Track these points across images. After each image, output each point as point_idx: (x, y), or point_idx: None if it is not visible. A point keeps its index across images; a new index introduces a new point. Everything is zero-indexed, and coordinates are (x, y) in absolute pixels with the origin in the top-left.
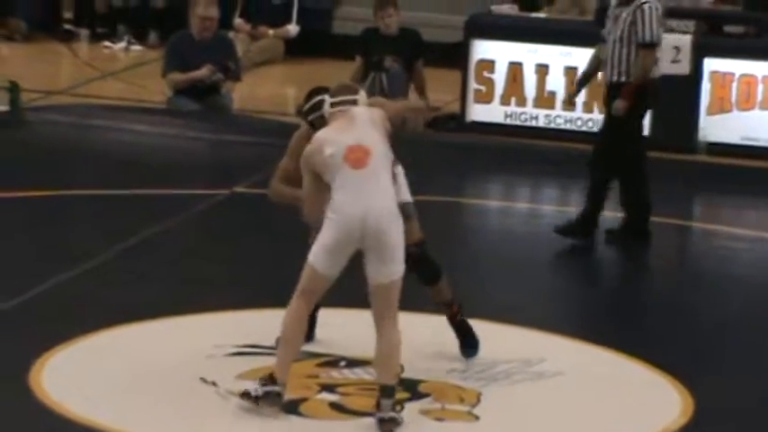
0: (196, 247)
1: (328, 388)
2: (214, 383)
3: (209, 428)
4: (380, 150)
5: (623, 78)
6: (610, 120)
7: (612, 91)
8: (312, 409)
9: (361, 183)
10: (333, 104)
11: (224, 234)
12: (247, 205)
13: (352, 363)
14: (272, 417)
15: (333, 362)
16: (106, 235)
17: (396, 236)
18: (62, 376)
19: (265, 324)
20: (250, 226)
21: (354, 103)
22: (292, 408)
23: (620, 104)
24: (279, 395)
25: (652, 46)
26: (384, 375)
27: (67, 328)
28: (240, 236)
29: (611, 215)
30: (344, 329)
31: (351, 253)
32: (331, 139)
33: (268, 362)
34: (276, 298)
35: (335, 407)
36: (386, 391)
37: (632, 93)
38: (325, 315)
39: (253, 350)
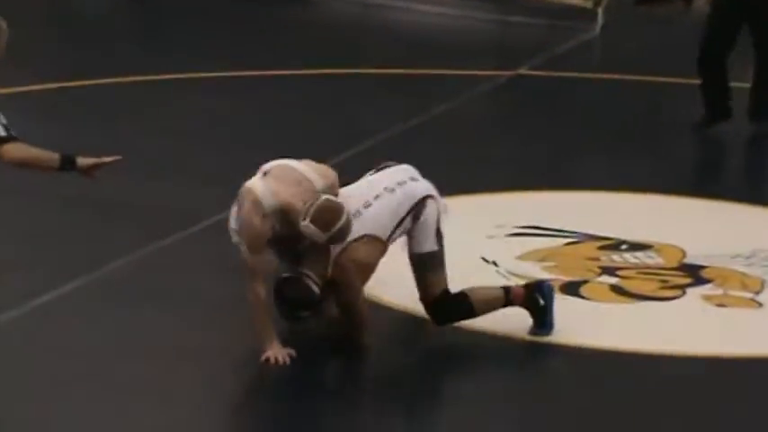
0: (478, 128)
1: (609, 270)
2: (495, 263)
3: None
4: None
5: None
6: None
7: None
8: (593, 291)
9: None
10: None
11: (507, 116)
12: (531, 87)
13: (634, 246)
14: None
15: (614, 245)
16: (387, 115)
17: None
18: None
19: (545, 205)
20: (534, 107)
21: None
22: (573, 289)
23: None
24: None
25: None
26: None
27: None
28: (523, 118)
29: None
30: (627, 213)
31: None
32: None
33: (546, 243)
34: (558, 178)
35: (616, 289)
36: None
37: None
38: (608, 199)
39: (533, 231)
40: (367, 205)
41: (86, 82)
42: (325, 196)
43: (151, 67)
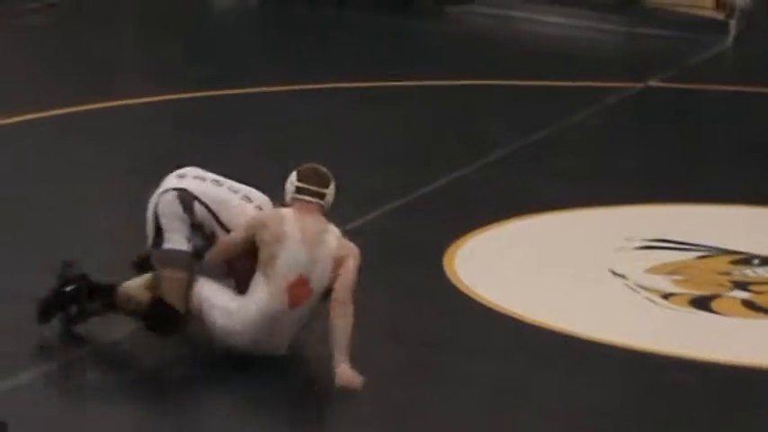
0: (606, 141)
1: (740, 285)
2: (624, 276)
3: (619, 321)
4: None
5: None
6: None
7: None
8: (724, 306)
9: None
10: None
11: (636, 128)
12: (660, 99)
13: (766, 261)
14: (676, 310)
15: (746, 260)
16: (517, 126)
17: None
18: (474, 261)
19: (675, 218)
20: (663, 120)
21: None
22: (704, 304)
23: None
24: None
25: None
26: None
27: (479, 215)
28: (652, 130)
29: None
30: (759, 227)
31: None
32: (289, 244)
33: (676, 257)
34: (688, 191)
35: (748, 304)
36: None
37: None
38: (739, 213)
39: (662, 244)
40: None
41: (226, 92)
42: None
43: (289, 78)
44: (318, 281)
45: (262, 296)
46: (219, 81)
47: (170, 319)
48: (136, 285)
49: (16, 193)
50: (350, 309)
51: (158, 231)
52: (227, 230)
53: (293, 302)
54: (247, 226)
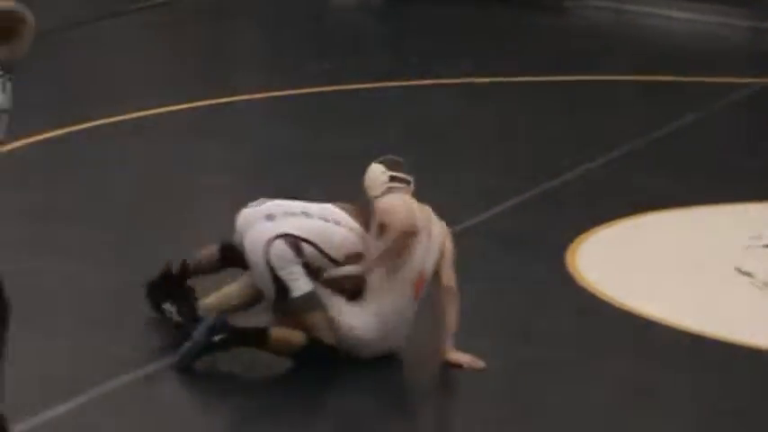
0: (731, 138)
1: None
2: (750, 274)
3: (745, 320)
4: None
5: None
6: None
7: None
8: None
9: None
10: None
11: (761, 125)
12: None
13: None
14: None
15: None
16: (640, 122)
17: None
18: (597, 258)
19: None
20: None
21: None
22: None
23: None
24: None
25: None
26: None
27: (601, 211)
28: None
29: None
30: None
31: None
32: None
33: None
34: None
35: None
36: None
37: None
38: None
39: None
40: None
41: (343, 87)
42: None
43: (397, 74)
44: (430, 268)
45: (392, 294)
46: (337, 76)
47: (330, 355)
48: (284, 330)
49: (135, 186)
50: (457, 294)
51: (279, 282)
52: (332, 260)
53: (416, 294)
54: (411, 230)
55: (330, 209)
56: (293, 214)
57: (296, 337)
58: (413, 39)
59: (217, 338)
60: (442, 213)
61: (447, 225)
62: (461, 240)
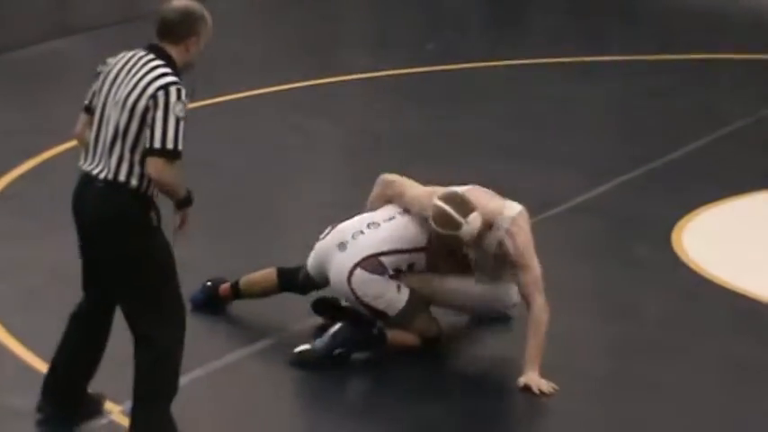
0: None
1: None
2: None
3: None
4: None
5: None
6: None
7: None
8: None
9: None
10: None
11: None
12: None
13: None
14: None
15: None
16: (748, 101)
17: None
18: (703, 237)
19: None
20: None
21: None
22: None
23: None
24: None
25: None
26: None
27: (708, 191)
28: None
29: None
30: None
31: None
32: None
33: None
34: None
35: None
36: None
37: None
38: None
39: None
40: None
41: (443, 67)
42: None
43: (505, 53)
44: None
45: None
46: (441, 57)
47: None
48: (399, 333)
49: (243, 165)
50: (543, 323)
51: (373, 309)
52: (417, 250)
53: None
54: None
55: (390, 206)
56: (361, 232)
57: (410, 339)
58: (514, 19)
59: (336, 352)
60: (549, 191)
61: (552, 205)
62: (568, 218)
